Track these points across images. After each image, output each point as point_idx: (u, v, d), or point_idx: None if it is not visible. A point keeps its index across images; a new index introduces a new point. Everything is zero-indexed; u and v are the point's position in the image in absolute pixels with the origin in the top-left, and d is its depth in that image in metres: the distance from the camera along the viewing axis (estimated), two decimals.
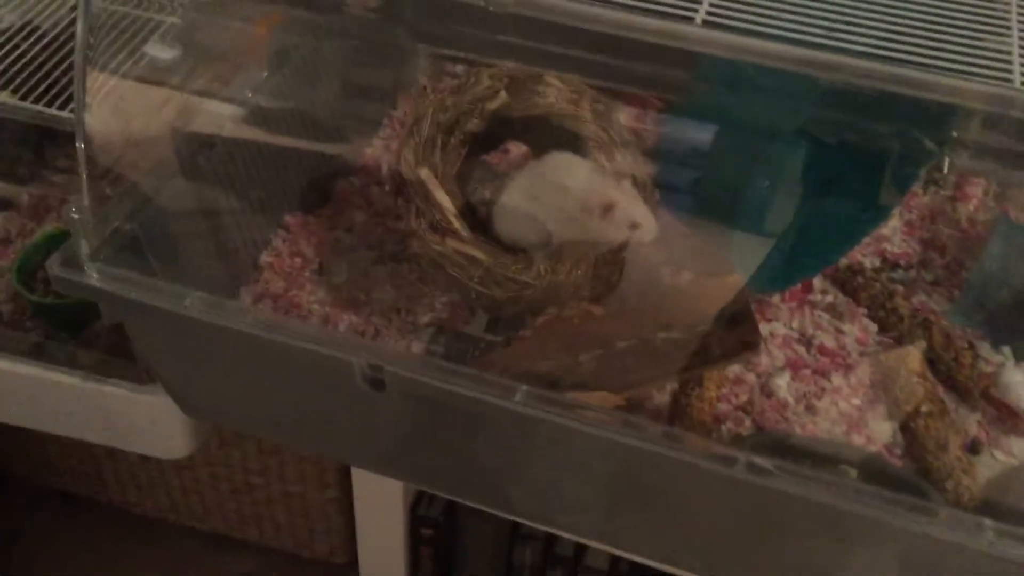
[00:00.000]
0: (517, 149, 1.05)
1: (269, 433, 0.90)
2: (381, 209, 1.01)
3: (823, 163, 0.94)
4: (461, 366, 0.65)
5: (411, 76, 1.12)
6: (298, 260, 0.94)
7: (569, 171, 0.82)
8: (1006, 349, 0.89)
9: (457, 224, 0.81)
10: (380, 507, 0.88)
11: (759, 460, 0.57)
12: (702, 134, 0.94)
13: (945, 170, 1.03)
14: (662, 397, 0.85)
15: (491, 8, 0.59)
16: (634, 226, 0.79)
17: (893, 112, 0.74)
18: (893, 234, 1.02)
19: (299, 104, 0.95)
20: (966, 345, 0.89)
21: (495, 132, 0.90)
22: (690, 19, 0.57)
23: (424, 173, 0.82)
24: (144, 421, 0.93)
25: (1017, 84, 0.55)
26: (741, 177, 0.93)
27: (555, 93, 0.85)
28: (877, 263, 0.99)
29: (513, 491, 0.74)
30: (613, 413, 0.64)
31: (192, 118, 0.88)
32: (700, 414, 0.82)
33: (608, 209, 0.78)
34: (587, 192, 0.79)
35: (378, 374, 0.64)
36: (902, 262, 0.99)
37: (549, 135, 0.87)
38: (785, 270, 0.92)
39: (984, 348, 0.90)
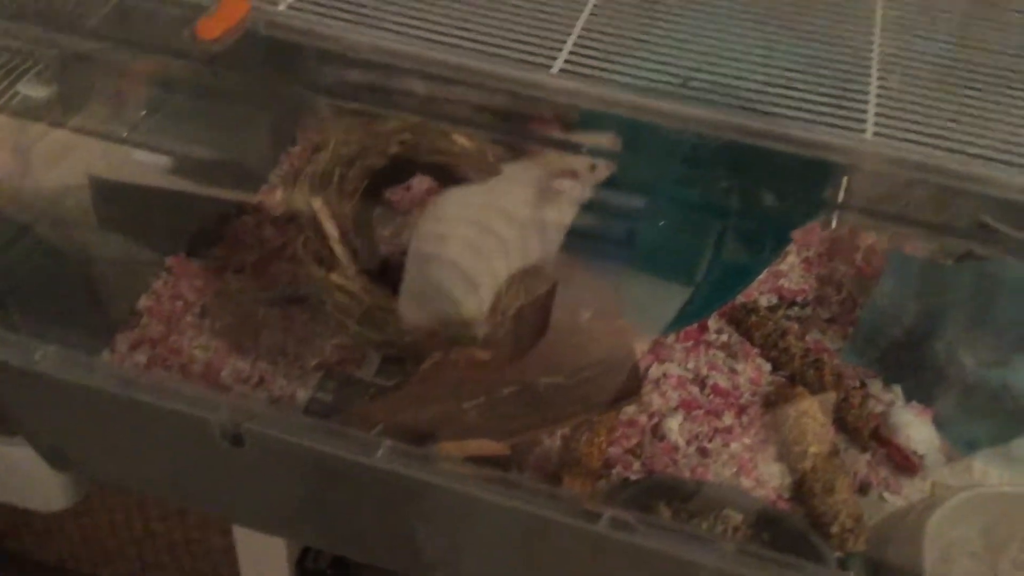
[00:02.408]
0: (420, 184, 1.04)
1: (142, 488, 0.87)
2: (274, 250, 0.98)
3: (714, 206, 0.94)
4: (322, 421, 0.62)
5: (311, 113, 1.10)
6: (179, 303, 0.91)
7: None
8: (896, 388, 0.89)
9: (342, 257, 0.79)
10: (264, 561, 0.85)
11: (623, 515, 0.56)
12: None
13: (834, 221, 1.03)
14: (553, 442, 0.83)
15: (349, 55, 0.58)
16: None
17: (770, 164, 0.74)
18: (791, 270, 1.02)
19: (183, 143, 0.92)
20: (857, 384, 0.89)
21: (400, 172, 0.88)
22: (547, 68, 0.56)
23: (316, 203, 0.80)
24: (17, 474, 0.88)
25: (869, 136, 0.54)
26: (637, 219, 0.92)
27: (464, 141, 0.84)
28: (774, 300, 0.99)
29: (388, 545, 0.72)
30: (473, 468, 0.62)
31: (65, 158, 0.85)
32: (589, 459, 0.81)
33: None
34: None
35: (237, 430, 0.62)
36: (799, 299, 0.99)
37: (452, 182, 0.86)
38: (680, 310, 0.91)
39: (875, 387, 0.90)
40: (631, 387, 0.78)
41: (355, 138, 0.83)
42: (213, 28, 0.62)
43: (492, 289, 0.80)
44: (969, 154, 0.55)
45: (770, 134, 0.53)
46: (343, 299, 0.82)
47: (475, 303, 0.79)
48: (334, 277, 0.81)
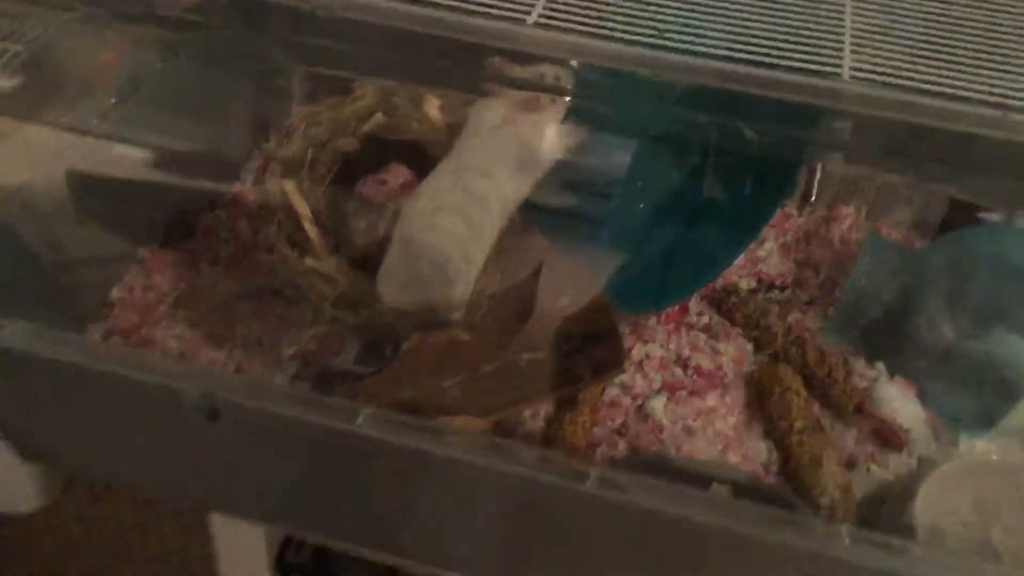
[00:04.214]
0: (395, 178, 1.04)
1: (114, 478, 0.85)
2: (249, 243, 0.97)
3: (691, 185, 0.94)
4: (301, 390, 0.61)
5: (285, 107, 1.09)
6: (152, 295, 0.89)
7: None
8: (880, 364, 0.89)
9: (316, 239, 0.78)
10: (243, 557, 0.83)
11: (611, 475, 0.54)
12: (576, 156, 0.93)
13: (814, 193, 1.03)
14: (536, 422, 0.82)
15: (319, 13, 0.57)
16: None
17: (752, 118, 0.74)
18: (768, 256, 1.02)
19: (156, 133, 0.91)
20: (840, 361, 0.88)
21: (372, 154, 0.87)
22: (522, 20, 0.56)
23: (288, 185, 0.79)
24: None
25: (846, 78, 0.54)
26: (613, 198, 0.92)
27: (435, 116, 0.82)
28: (753, 284, 0.99)
29: (377, 526, 0.70)
30: (461, 433, 0.60)
31: (32, 148, 0.83)
32: (574, 438, 0.79)
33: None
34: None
35: (212, 402, 0.60)
36: (777, 283, 0.99)
37: (425, 163, 0.85)
38: (660, 292, 0.91)
39: (859, 364, 0.89)
40: (615, 358, 0.77)
41: (325, 120, 0.82)
42: None
43: (474, 272, 0.79)
44: (946, 95, 0.54)
45: (748, 79, 0.53)
46: (318, 283, 0.81)
47: (460, 287, 0.78)
48: (308, 261, 0.80)
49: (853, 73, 0.54)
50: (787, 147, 0.89)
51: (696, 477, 0.77)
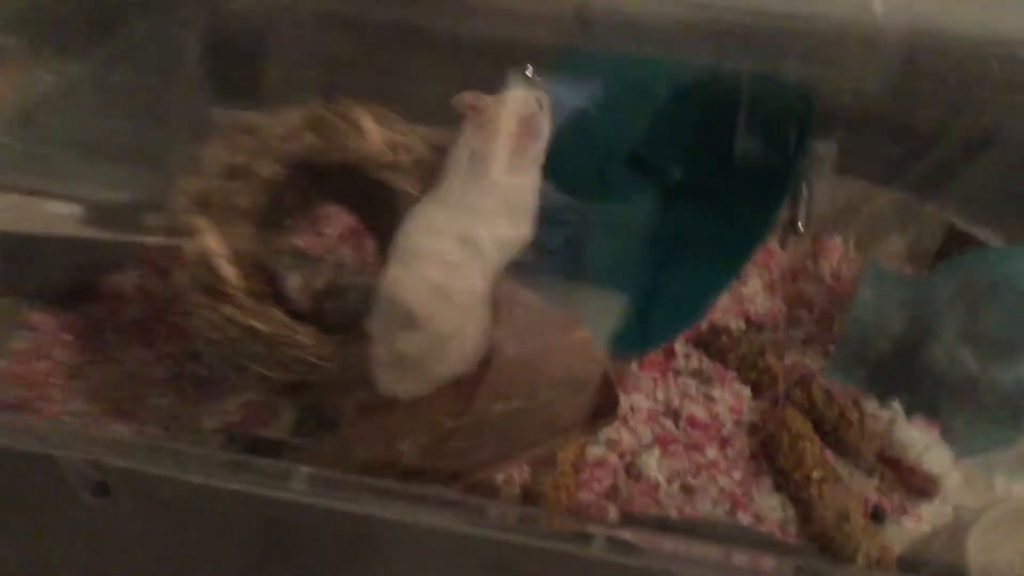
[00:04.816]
0: (329, 225, 0.92)
1: None
2: (162, 304, 0.84)
3: (671, 217, 0.85)
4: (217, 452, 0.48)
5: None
6: (44, 364, 0.75)
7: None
8: (895, 403, 0.78)
9: (236, 284, 0.66)
10: None
11: (622, 535, 0.42)
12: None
13: (801, 225, 0.94)
14: (512, 489, 0.69)
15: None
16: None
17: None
18: (755, 294, 0.91)
19: (52, 176, 0.78)
20: (851, 402, 0.77)
21: (303, 183, 0.75)
22: None
23: (199, 222, 0.67)
24: None
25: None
26: (588, 230, 0.81)
27: (372, 136, 0.71)
28: (742, 325, 0.88)
29: None
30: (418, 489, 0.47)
31: None
32: (556, 505, 0.67)
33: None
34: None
35: (100, 475, 0.46)
36: (768, 322, 0.88)
37: (364, 189, 0.73)
38: (642, 332, 0.79)
39: (870, 405, 0.79)
40: (607, 404, 0.65)
41: (242, 144, 0.70)
42: None
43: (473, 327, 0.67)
44: None
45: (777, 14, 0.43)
46: (241, 337, 0.68)
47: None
48: (228, 310, 0.67)
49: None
50: (772, 165, 0.81)
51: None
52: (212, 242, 0.66)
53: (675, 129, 0.76)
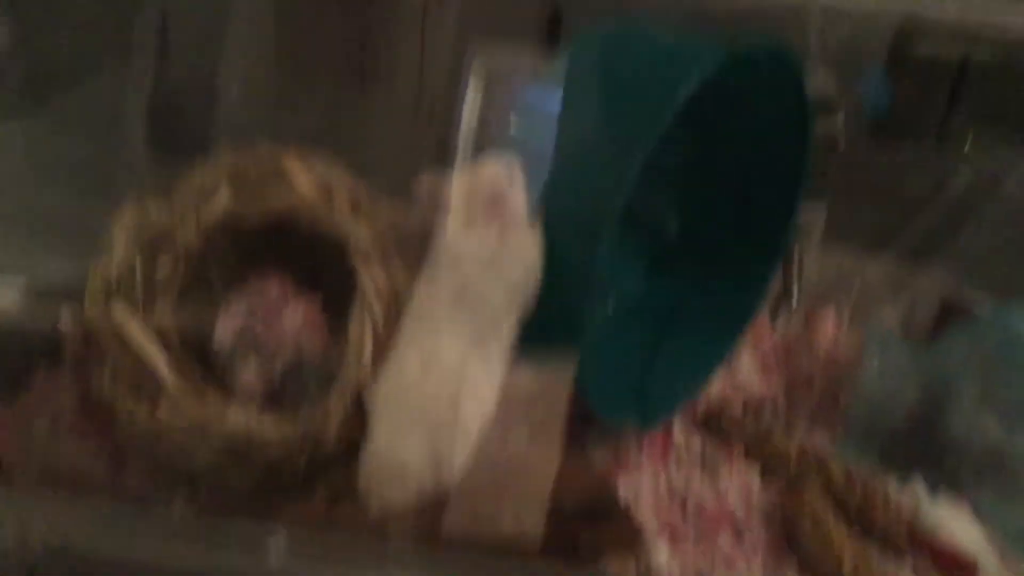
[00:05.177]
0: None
1: None
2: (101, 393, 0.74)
3: (661, 293, 0.79)
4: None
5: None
6: None
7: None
8: (917, 481, 0.72)
9: (169, 381, 0.58)
10: None
11: None
12: None
13: (795, 296, 0.89)
14: None
15: None
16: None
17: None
18: (750, 376, 0.85)
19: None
20: (873, 481, 0.71)
21: (232, 249, 0.68)
22: None
23: (116, 313, 0.59)
24: None
25: None
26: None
27: (300, 182, 0.63)
28: (736, 404, 0.82)
29: None
30: None
31: None
32: None
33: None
34: None
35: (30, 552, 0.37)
36: (767, 401, 0.83)
37: (299, 245, 0.66)
38: (640, 405, 0.73)
39: (889, 483, 0.72)
40: (626, 536, 0.58)
41: (156, 212, 0.63)
42: None
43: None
44: None
45: None
46: (182, 441, 0.60)
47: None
48: (163, 414, 0.59)
49: None
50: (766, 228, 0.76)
51: None
52: (136, 335, 0.59)
53: (666, 184, 0.72)
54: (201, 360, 0.66)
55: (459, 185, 0.63)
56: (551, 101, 0.64)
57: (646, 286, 0.79)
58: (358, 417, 0.60)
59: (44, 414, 0.71)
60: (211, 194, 0.62)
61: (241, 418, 0.61)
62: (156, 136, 0.83)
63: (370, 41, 0.93)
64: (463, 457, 0.59)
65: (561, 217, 0.61)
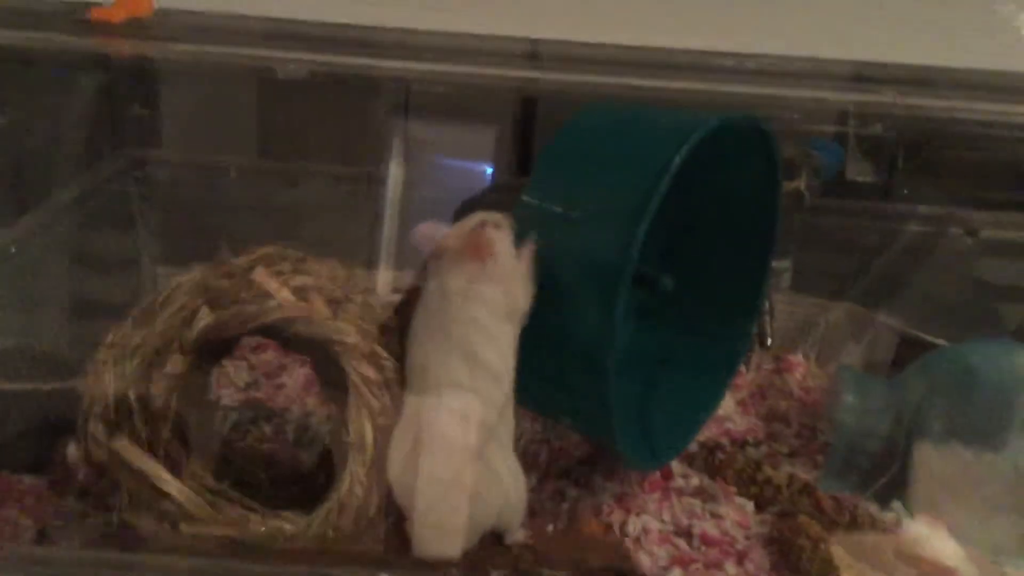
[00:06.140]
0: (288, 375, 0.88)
1: None
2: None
3: (649, 339, 0.85)
4: None
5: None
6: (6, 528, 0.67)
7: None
8: (896, 504, 0.78)
9: (184, 501, 0.61)
10: None
11: None
12: None
13: (769, 340, 0.96)
14: None
15: None
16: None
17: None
18: (731, 414, 0.92)
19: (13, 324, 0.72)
20: (859, 506, 0.77)
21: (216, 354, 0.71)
22: None
23: (120, 445, 0.62)
24: None
25: None
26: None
27: (276, 293, 0.65)
28: (726, 442, 0.87)
29: None
30: None
31: None
32: None
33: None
34: None
35: None
36: (750, 438, 0.89)
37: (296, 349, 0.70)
38: (648, 450, 0.78)
39: (871, 509, 0.79)
40: None
41: (135, 344, 0.64)
42: None
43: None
44: None
45: None
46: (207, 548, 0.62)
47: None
48: (184, 527, 0.62)
49: None
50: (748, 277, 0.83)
51: None
52: (144, 464, 0.61)
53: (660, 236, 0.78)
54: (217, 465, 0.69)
55: (451, 230, 0.67)
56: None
57: (637, 332, 0.84)
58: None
59: (73, 485, 0.73)
60: (190, 318, 0.63)
61: (259, 522, 0.64)
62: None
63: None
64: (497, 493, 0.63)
65: (573, 279, 0.66)
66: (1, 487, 0.70)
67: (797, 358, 0.97)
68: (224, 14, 0.71)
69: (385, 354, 0.65)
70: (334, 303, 0.66)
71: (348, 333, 0.65)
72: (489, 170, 0.99)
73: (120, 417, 0.63)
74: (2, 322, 0.76)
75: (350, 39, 0.73)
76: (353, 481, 0.63)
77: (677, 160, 0.63)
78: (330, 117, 0.93)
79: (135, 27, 0.67)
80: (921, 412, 0.81)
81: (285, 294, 0.64)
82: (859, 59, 0.80)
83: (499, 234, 0.66)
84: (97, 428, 0.62)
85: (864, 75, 0.80)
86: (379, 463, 0.63)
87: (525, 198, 0.70)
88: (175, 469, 0.64)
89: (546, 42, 0.75)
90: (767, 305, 0.93)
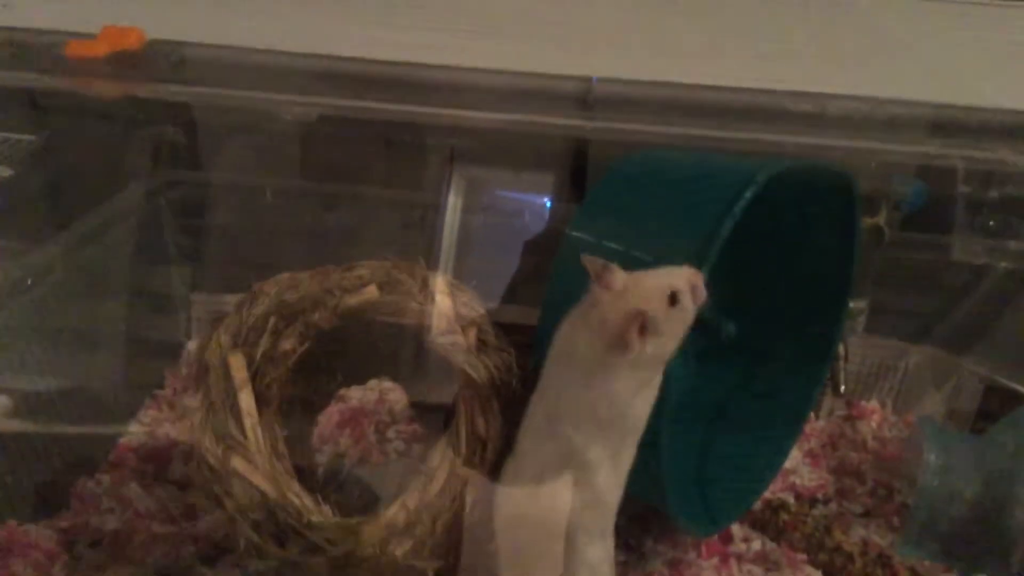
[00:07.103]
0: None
1: None
2: (143, 511, 0.72)
3: (709, 389, 0.78)
4: None
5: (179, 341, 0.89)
6: None
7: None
8: (982, 573, 0.70)
9: (251, 436, 0.57)
10: None
11: None
12: None
13: (842, 387, 0.87)
14: None
15: None
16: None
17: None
18: (797, 467, 0.84)
19: (13, 372, 0.68)
20: None
21: (345, 343, 0.68)
22: None
23: (233, 359, 0.60)
24: None
25: None
26: None
27: (443, 303, 0.64)
28: (791, 500, 0.80)
29: None
30: None
31: None
32: None
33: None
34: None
35: None
36: (819, 495, 0.81)
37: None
38: (706, 513, 0.71)
39: None
40: None
41: (304, 287, 0.63)
42: None
43: None
44: None
45: None
46: (241, 493, 0.58)
47: None
48: (236, 462, 0.58)
49: None
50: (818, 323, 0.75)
51: None
52: (243, 394, 0.59)
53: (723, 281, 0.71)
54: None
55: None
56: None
57: (694, 382, 0.77)
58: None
59: (85, 534, 0.69)
60: (360, 286, 0.63)
61: (295, 495, 0.59)
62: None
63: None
64: None
65: None
66: (8, 538, 0.66)
67: (872, 405, 0.89)
68: (223, 46, 0.66)
69: (497, 410, 0.62)
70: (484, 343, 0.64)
71: (479, 369, 0.62)
72: (547, 204, 0.92)
73: (250, 336, 0.62)
74: (28, 356, 0.72)
75: (376, 77, 0.68)
76: (401, 508, 0.59)
77: (743, 201, 0.57)
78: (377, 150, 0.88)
79: (120, 63, 0.61)
80: (1016, 474, 0.72)
81: (444, 308, 0.63)
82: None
83: (679, 313, 0.55)
84: (225, 335, 0.61)
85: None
86: (435, 506, 0.59)
87: (574, 234, 0.63)
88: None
89: (603, 80, 0.68)
90: (840, 348, 0.85)
